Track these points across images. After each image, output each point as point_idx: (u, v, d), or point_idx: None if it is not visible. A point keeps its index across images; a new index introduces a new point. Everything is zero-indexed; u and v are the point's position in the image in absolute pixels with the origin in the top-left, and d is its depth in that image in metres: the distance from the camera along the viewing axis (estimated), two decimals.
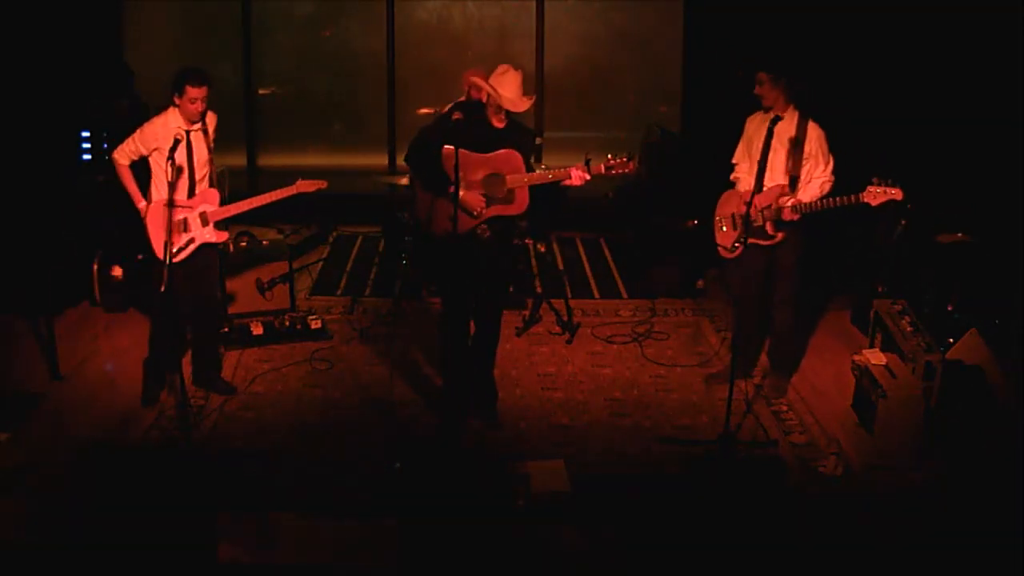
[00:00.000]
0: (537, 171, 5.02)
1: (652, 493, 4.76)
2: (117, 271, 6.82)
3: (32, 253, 6.49)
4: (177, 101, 5.18)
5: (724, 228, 5.68)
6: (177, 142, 4.99)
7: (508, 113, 4.94)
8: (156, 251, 5.25)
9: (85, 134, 7.24)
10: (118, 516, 4.24)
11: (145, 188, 5.36)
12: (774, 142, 5.38)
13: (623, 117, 9.33)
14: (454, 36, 9.23)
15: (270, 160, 9.38)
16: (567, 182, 4.99)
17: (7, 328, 6.45)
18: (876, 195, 5.04)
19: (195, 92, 5.12)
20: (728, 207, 5.68)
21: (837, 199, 5.19)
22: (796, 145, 5.33)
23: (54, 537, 4.34)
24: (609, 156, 5.01)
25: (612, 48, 9.33)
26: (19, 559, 4.24)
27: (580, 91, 9.34)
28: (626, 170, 5.03)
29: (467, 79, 5.85)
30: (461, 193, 4.91)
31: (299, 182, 5.45)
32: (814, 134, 5.36)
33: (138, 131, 5.27)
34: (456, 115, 4.88)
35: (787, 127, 5.35)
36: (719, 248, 5.72)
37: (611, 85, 9.38)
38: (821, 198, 5.28)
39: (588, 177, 4.99)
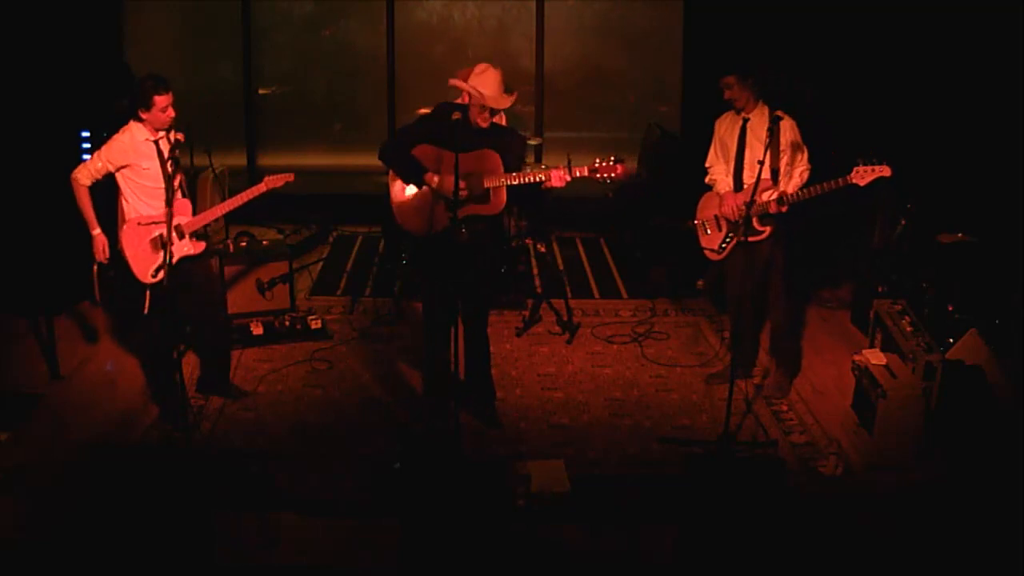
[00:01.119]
0: (515, 172, 4.93)
1: (652, 493, 4.76)
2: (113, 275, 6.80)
3: (32, 253, 6.48)
4: (144, 115, 4.99)
5: (708, 231, 5.69)
6: (179, 142, 4.97)
7: (493, 112, 4.88)
8: (136, 274, 5.13)
9: (85, 134, 7.23)
10: (118, 516, 4.24)
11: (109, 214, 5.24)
12: (750, 140, 5.41)
13: (623, 117, 9.33)
14: (454, 36, 9.24)
15: (270, 160, 9.38)
16: (546, 184, 4.89)
17: (7, 328, 6.45)
18: (863, 175, 5.02)
19: (163, 100, 4.96)
20: (709, 210, 5.68)
21: (824, 184, 5.17)
22: (772, 139, 5.30)
23: (54, 537, 4.34)
24: (596, 160, 4.86)
25: (612, 48, 9.33)
26: (19, 559, 4.24)
27: (580, 91, 9.34)
28: (613, 174, 4.85)
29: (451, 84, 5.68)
30: (437, 179, 4.91)
31: (266, 179, 5.37)
32: (787, 124, 5.34)
33: (103, 149, 5.06)
34: (456, 114, 4.86)
35: (759, 123, 5.35)
36: (705, 251, 5.73)
37: (611, 85, 9.38)
38: (804, 186, 5.29)
39: (568, 179, 4.88)
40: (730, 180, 5.54)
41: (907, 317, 5.72)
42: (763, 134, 5.17)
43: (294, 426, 5.42)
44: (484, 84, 4.83)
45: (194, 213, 5.27)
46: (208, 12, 9.17)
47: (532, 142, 7.98)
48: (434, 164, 4.98)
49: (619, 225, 8.39)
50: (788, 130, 5.35)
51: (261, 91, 9.41)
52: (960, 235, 6.33)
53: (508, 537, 4.39)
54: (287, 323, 6.58)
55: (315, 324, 6.60)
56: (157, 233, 5.14)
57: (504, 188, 4.95)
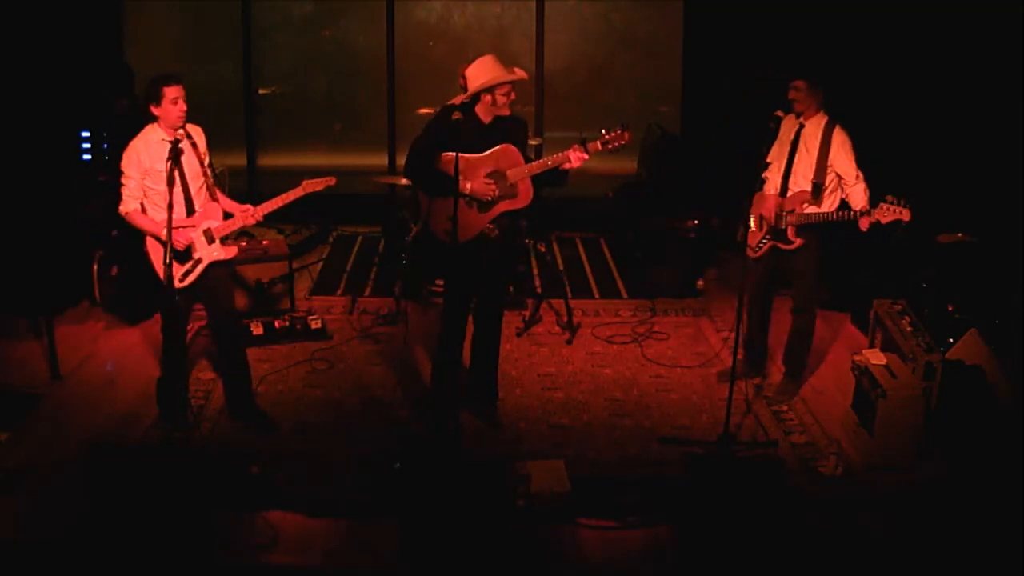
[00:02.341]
0: (536, 161, 5.02)
1: (652, 493, 4.76)
2: (116, 271, 6.79)
3: (32, 253, 6.47)
4: (157, 111, 4.88)
5: (752, 228, 5.68)
6: (178, 141, 4.84)
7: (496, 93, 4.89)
8: (161, 275, 4.91)
9: (85, 134, 7.23)
10: (118, 516, 4.24)
11: None
12: (800, 147, 5.41)
13: (623, 117, 9.27)
14: (454, 36, 9.23)
15: (270, 160, 9.37)
16: (566, 166, 5.00)
17: (7, 328, 6.44)
18: (887, 213, 5.04)
19: (173, 91, 4.83)
20: (758, 208, 5.66)
21: (849, 212, 5.24)
22: (822, 152, 5.33)
23: (54, 537, 4.34)
24: (603, 132, 5.03)
25: (612, 48, 9.33)
26: (19, 558, 4.24)
27: (580, 91, 9.33)
28: (623, 142, 5.04)
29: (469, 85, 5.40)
30: (470, 185, 4.92)
31: (305, 182, 5.13)
32: (838, 140, 5.33)
33: (122, 164, 4.93)
34: (456, 114, 4.87)
35: (814, 132, 5.37)
36: (747, 249, 5.70)
37: (611, 85, 9.38)
38: (840, 209, 5.33)
39: (586, 157, 5.00)
40: (778, 181, 5.55)
41: (907, 317, 5.72)
42: (815, 142, 5.30)
43: (294, 426, 5.42)
44: (486, 70, 4.84)
45: None
46: (208, 12, 9.16)
47: (532, 142, 7.96)
48: (461, 170, 4.96)
49: (619, 225, 8.39)
50: (837, 145, 5.33)
51: (261, 91, 9.40)
52: (960, 235, 6.33)
53: (508, 537, 4.39)
54: (287, 323, 6.58)
55: (315, 324, 6.60)
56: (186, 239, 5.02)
57: (529, 178, 4.99)
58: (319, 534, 4.46)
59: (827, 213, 5.33)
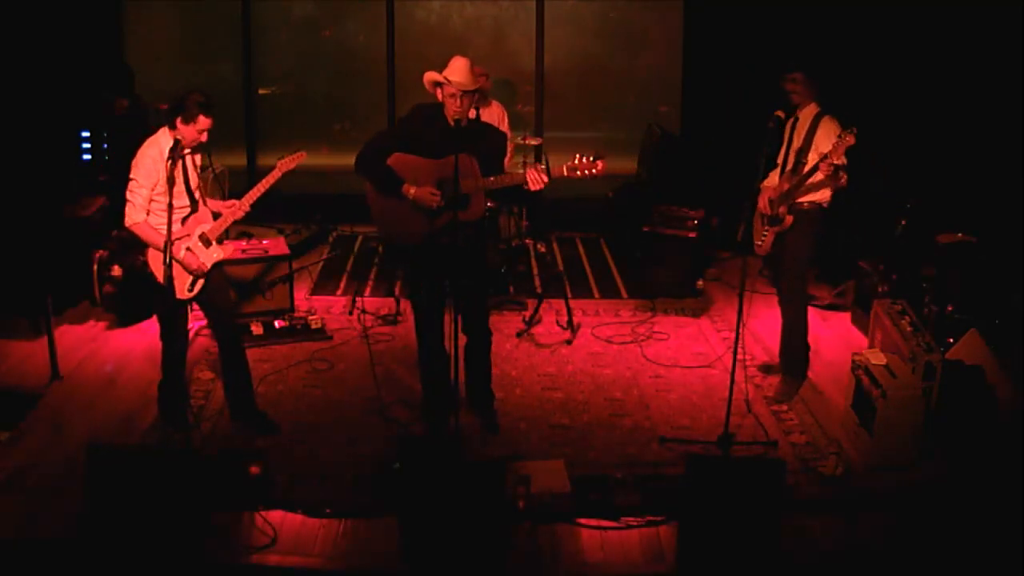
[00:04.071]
0: (493, 176, 4.88)
1: (652, 493, 4.76)
2: (117, 271, 6.80)
3: (32, 253, 6.48)
4: (181, 125, 4.76)
5: (756, 227, 5.74)
6: (177, 143, 4.74)
7: (466, 95, 4.83)
8: (160, 280, 4.83)
9: (85, 134, 7.23)
10: (117, 516, 4.24)
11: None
12: (793, 139, 5.51)
13: (623, 117, 9.33)
14: (454, 36, 9.24)
15: (270, 160, 9.31)
16: (526, 187, 4.83)
17: (7, 328, 6.44)
18: (837, 150, 5.03)
19: (207, 122, 4.76)
20: (758, 205, 5.70)
21: (812, 172, 5.26)
22: (808, 136, 5.41)
23: (54, 537, 4.34)
24: (576, 157, 4.79)
25: (612, 48, 9.34)
26: (19, 558, 4.24)
27: (580, 91, 9.34)
28: (594, 170, 4.77)
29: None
30: (413, 190, 4.90)
31: (279, 163, 5.10)
32: (825, 125, 5.38)
33: (136, 171, 4.79)
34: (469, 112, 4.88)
35: (804, 123, 5.47)
36: (755, 248, 5.72)
37: (611, 85, 9.39)
38: (805, 176, 5.34)
39: (546, 179, 4.80)
40: (774, 175, 5.60)
41: (907, 317, 5.71)
42: (803, 131, 5.38)
43: (294, 426, 5.42)
44: (452, 72, 4.82)
45: None
46: (208, 12, 9.18)
47: (532, 142, 7.98)
48: (411, 173, 4.95)
49: (619, 225, 8.39)
50: (822, 128, 5.38)
51: (261, 91, 9.42)
52: (960, 235, 6.33)
53: (508, 537, 4.39)
54: (287, 323, 6.58)
55: (315, 324, 6.60)
56: (184, 247, 4.96)
57: (482, 193, 4.93)
58: (319, 534, 4.46)
59: (801, 175, 5.34)
